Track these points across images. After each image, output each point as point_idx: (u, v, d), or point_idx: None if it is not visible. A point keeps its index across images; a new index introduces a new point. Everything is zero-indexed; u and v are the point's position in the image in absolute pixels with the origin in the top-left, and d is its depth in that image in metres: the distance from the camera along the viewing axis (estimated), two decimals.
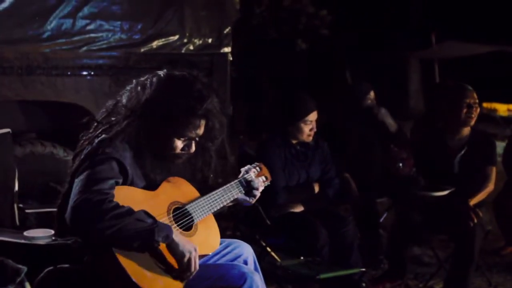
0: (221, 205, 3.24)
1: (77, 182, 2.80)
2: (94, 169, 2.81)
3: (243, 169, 3.42)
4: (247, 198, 3.40)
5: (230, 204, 3.35)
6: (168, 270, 2.88)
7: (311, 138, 4.90)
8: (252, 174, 3.42)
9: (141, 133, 2.97)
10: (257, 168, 3.49)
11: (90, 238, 2.75)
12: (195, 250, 2.91)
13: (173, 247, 2.86)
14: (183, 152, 3.07)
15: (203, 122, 3.04)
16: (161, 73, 3.08)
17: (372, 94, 6.06)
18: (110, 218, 2.68)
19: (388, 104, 6.15)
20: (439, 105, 5.05)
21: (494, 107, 13.55)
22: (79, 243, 2.89)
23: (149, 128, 2.97)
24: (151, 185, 3.04)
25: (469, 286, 4.73)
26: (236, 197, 3.33)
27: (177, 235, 2.89)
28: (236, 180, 3.35)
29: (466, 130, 4.96)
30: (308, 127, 4.83)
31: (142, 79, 3.08)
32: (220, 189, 3.25)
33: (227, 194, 3.27)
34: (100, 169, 2.82)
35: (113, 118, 3.03)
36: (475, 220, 4.57)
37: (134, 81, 3.11)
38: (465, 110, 4.84)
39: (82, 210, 2.70)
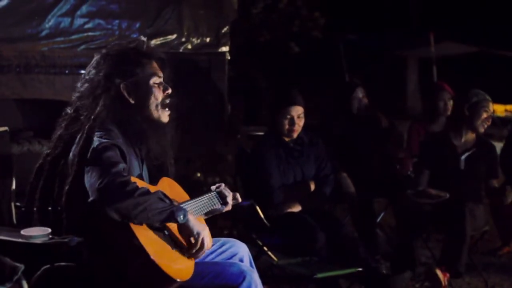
0: (207, 210, 3.33)
1: (91, 171, 2.87)
2: (102, 156, 2.89)
3: (217, 184, 3.48)
4: (221, 208, 3.43)
5: (207, 216, 3.42)
6: (181, 252, 2.99)
7: (293, 135, 4.84)
8: (226, 188, 3.46)
9: (118, 104, 3.07)
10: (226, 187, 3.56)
11: (118, 216, 2.80)
12: (206, 229, 3.07)
13: (189, 226, 2.99)
14: (165, 96, 3.16)
15: (154, 62, 3.16)
16: (96, 56, 3.24)
17: (359, 91, 5.93)
18: (136, 197, 2.80)
19: (385, 104, 6.14)
20: (458, 108, 5.14)
21: None
22: (78, 241, 2.91)
23: (123, 93, 3.08)
24: (142, 168, 3.18)
25: (463, 265, 4.79)
26: (216, 207, 3.39)
27: (191, 215, 3.02)
28: (213, 192, 3.41)
29: (472, 136, 5.13)
30: (288, 121, 4.80)
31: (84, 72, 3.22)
32: (205, 196, 3.35)
33: (210, 202, 3.36)
34: (109, 155, 2.90)
35: (82, 113, 3.11)
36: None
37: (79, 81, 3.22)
38: (483, 117, 5.03)
39: (110, 191, 2.79)
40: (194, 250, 3.02)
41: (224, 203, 3.40)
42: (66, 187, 3.02)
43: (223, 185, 3.48)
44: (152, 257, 2.81)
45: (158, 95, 3.14)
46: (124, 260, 2.88)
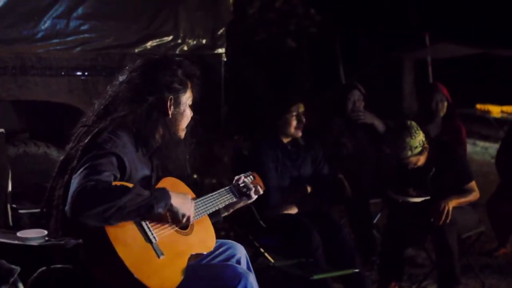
0: (215, 208, 3.32)
1: (76, 177, 2.85)
2: (93, 162, 2.87)
3: (236, 177, 3.51)
4: (239, 201, 3.47)
5: (226, 213, 3.47)
6: (166, 261, 2.93)
7: (300, 132, 4.87)
8: (246, 181, 3.50)
9: (153, 114, 3.10)
10: (250, 176, 3.59)
11: (91, 222, 2.78)
12: (191, 202, 3.10)
13: (173, 211, 3.02)
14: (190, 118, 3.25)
15: (189, 83, 3.21)
16: (137, 61, 3.23)
17: (355, 94, 5.89)
18: (108, 200, 2.76)
19: (382, 105, 6.12)
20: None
21: (487, 109, 13.52)
22: (73, 243, 2.90)
23: (167, 105, 3.13)
24: (150, 177, 3.14)
25: (458, 279, 4.75)
26: (230, 202, 3.41)
27: (175, 197, 3.00)
28: (227, 187, 3.43)
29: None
30: (295, 120, 4.82)
31: (122, 75, 3.20)
32: (215, 192, 3.35)
33: (221, 198, 3.36)
34: (99, 163, 2.88)
35: (110, 109, 3.11)
36: (441, 221, 4.62)
37: (116, 81, 3.21)
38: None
39: (80, 197, 2.77)
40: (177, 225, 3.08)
41: (241, 195, 3.45)
42: (61, 190, 3.01)
43: (242, 177, 3.50)
44: (131, 270, 2.78)
45: (190, 115, 3.24)
46: (105, 272, 2.86)
